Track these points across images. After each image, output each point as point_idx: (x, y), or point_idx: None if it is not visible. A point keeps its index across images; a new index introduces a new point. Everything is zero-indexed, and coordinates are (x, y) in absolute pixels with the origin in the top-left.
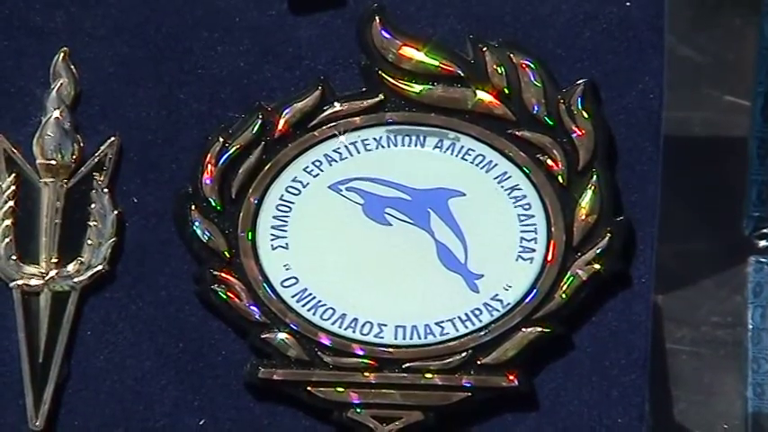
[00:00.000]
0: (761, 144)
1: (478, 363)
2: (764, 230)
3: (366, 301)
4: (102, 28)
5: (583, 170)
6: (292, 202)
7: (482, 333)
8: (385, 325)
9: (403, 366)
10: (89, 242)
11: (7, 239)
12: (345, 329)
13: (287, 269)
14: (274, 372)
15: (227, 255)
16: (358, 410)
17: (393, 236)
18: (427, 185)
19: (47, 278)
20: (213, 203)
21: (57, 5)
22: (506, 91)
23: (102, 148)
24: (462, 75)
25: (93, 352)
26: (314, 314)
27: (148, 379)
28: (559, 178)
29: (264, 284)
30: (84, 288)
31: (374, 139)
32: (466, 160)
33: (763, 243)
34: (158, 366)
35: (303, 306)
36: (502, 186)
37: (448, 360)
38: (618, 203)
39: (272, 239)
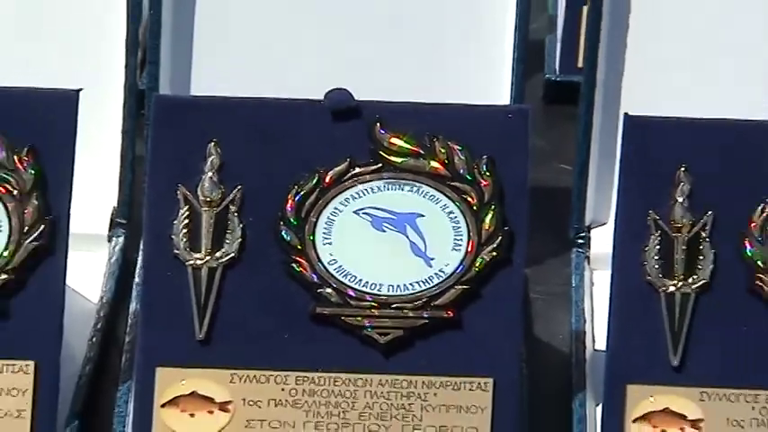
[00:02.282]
0: (578, 193)
1: (432, 304)
2: (580, 235)
3: (372, 272)
4: None
5: (486, 203)
6: (333, 220)
7: (434, 289)
8: (383, 285)
9: (392, 306)
10: (227, 241)
11: (184, 239)
12: (362, 287)
13: (331, 255)
14: (324, 309)
15: (300, 247)
16: (369, 330)
17: (386, 239)
18: (405, 211)
19: (214, 260)
20: (293, 221)
21: None
22: (446, 162)
23: (234, 191)
24: (423, 153)
25: (229, 298)
26: (345, 279)
27: (264, 308)
28: (474, 207)
29: (319, 263)
30: (224, 266)
31: (377, 187)
32: (425, 198)
33: (579, 242)
34: (265, 304)
35: (339, 275)
36: (444, 212)
37: (416, 303)
38: (505, 220)
39: (323, 240)
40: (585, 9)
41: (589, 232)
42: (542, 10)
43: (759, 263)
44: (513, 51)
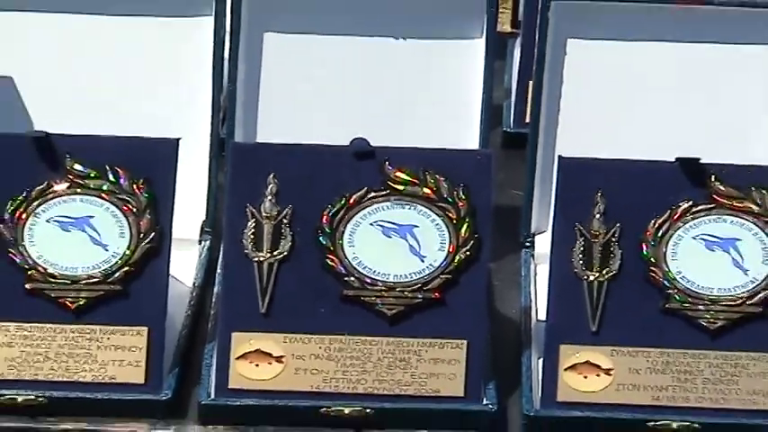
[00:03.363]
0: (526, 210)
1: (423, 289)
2: (528, 240)
3: (382, 266)
4: None
5: (462, 218)
6: (356, 230)
7: (425, 277)
8: (389, 274)
9: (396, 290)
10: (281, 244)
11: (251, 243)
12: (375, 276)
13: (354, 254)
14: (349, 292)
15: (332, 248)
16: (380, 306)
17: (392, 243)
18: (405, 223)
19: (272, 257)
20: (327, 230)
21: None
22: (435, 189)
23: (286, 209)
24: (418, 183)
25: (282, 284)
26: (364, 270)
27: (306, 291)
28: (454, 221)
29: (345, 259)
30: (279, 261)
31: (386, 206)
32: (420, 214)
33: (527, 245)
34: (307, 288)
35: (360, 267)
36: (433, 224)
37: (413, 287)
38: (475, 230)
39: (348, 243)
40: (531, 83)
41: (534, 238)
42: (501, 83)
43: (652, 260)
44: (481, 113)
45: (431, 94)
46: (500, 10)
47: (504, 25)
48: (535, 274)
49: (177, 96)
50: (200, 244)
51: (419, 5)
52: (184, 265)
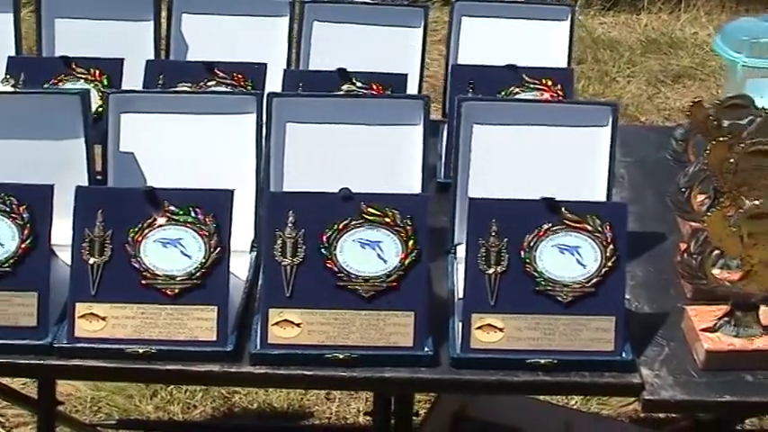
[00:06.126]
0: (451, 230)
1: (387, 281)
2: (452, 249)
3: (361, 267)
4: None
5: (411, 236)
6: (344, 245)
7: (387, 273)
8: (365, 272)
9: (369, 282)
10: (297, 253)
11: (279, 253)
12: (356, 272)
13: (343, 260)
14: (341, 282)
15: (329, 257)
16: (360, 292)
17: (367, 253)
18: (375, 240)
19: (293, 263)
20: (326, 245)
21: None
22: (393, 219)
23: (300, 232)
24: (381, 215)
25: (299, 279)
26: (350, 270)
27: (314, 283)
28: (404, 238)
29: (338, 263)
30: (297, 265)
31: (362, 230)
32: (384, 234)
33: (451, 252)
34: (315, 282)
35: (347, 268)
36: (392, 240)
37: (380, 280)
38: (419, 244)
39: (339, 253)
40: (453, 151)
41: (455, 248)
42: (435, 150)
43: (527, 260)
44: (422, 170)
45: (392, 158)
46: (432, 107)
47: (437, 114)
48: (456, 270)
49: (232, 164)
50: (250, 253)
51: (382, 105)
52: (241, 267)
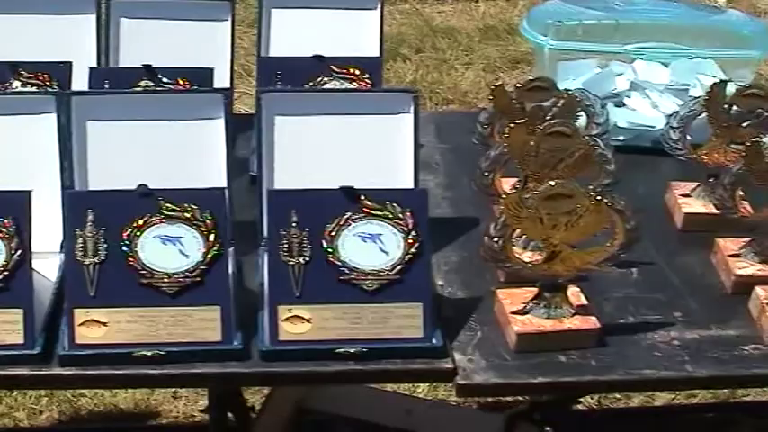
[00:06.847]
0: None
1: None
2: (263, 239)
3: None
4: None
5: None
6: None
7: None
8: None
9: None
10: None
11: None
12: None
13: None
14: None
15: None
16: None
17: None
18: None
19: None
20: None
21: None
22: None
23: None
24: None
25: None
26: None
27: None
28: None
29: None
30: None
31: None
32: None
33: (262, 244)
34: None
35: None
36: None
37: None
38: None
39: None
40: None
41: (266, 240)
42: (249, 144)
43: (329, 250)
44: (227, 165)
45: (195, 152)
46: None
47: None
48: (265, 263)
49: (36, 165)
50: (59, 254)
51: (182, 100)
52: (50, 268)
